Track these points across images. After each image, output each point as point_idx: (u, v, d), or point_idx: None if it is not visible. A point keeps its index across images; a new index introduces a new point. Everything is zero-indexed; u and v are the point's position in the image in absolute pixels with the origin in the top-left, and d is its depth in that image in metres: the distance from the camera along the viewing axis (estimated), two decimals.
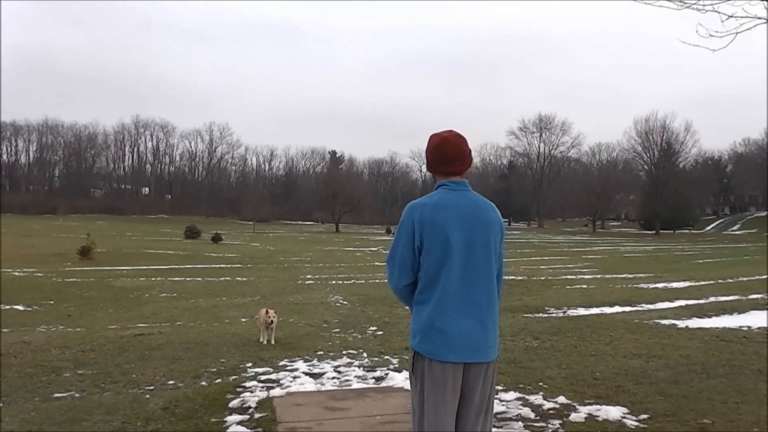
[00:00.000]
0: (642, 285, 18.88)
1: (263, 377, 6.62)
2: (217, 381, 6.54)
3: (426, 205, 2.96)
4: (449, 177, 3.07)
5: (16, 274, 22.48)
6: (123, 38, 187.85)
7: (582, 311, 12.56)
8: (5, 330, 11.13)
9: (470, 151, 3.13)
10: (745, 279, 20.24)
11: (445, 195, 3.00)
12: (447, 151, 3.06)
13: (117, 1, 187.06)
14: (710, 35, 6.04)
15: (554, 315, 12.09)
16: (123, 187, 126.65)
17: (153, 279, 21.86)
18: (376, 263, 30.11)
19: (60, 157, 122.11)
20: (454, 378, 2.87)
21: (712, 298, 14.36)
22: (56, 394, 6.13)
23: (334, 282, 20.84)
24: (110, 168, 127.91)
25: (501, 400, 5.61)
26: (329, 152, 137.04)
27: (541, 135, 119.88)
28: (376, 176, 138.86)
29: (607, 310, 12.74)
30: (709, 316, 11.32)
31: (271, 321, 8.75)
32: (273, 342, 8.71)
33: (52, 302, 15.67)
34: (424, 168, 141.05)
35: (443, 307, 2.88)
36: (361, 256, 38.72)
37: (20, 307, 14.87)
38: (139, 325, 11.46)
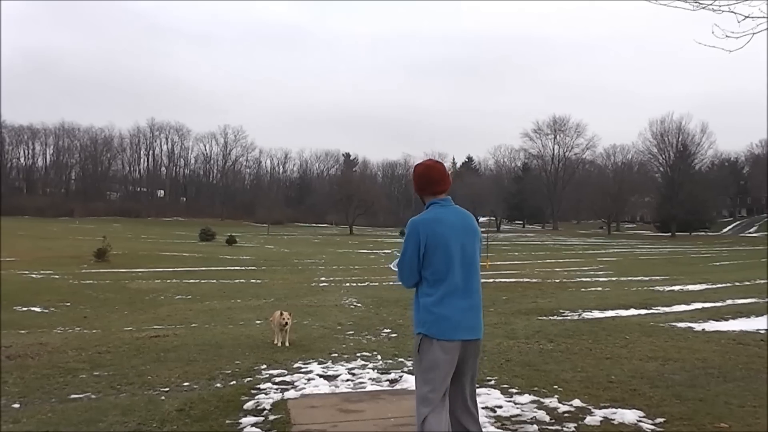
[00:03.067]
0: (658, 288, 18.77)
1: (278, 379, 6.63)
2: (232, 383, 6.56)
3: (426, 220, 3.65)
4: (437, 196, 3.77)
5: (34, 276, 22.69)
6: (138, 43, 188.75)
7: (597, 314, 12.48)
8: (22, 331, 11.24)
9: (449, 173, 3.84)
10: (762, 282, 20.03)
11: (439, 211, 3.70)
12: (432, 175, 3.78)
13: (133, 1, 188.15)
14: (726, 36, 5.99)
15: (569, 317, 12.03)
16: (138, 189, 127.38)
17: (168, 281, 21.99)
18: (390, 265, 30.12)
19: (76, 160, 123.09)
20: (452, 355, 3.58)
21: (729, 301, 14.23)
22: (73, 396, 6.18)
23: (347, 284, 20.87)
24: (126, 171, 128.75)
25: (516, 403, 5.59)
26: (343, 155, 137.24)
27: (555, 137, 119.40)
28: (390, 178, 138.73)
29: (623, 312, 12.65)
30: (726, 319, 11.22)
31: (286, 323, 8.77)
32: (287, 344, 8.73)
33: (68, 304, 15.80)
34: None
35: (449, 298, 3.58)
36: (375, 258, 38.73)
37: (37, 309, 15.02)
38: (155, 327, 11.53)
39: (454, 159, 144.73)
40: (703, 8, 6.07)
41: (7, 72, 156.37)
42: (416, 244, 3.59)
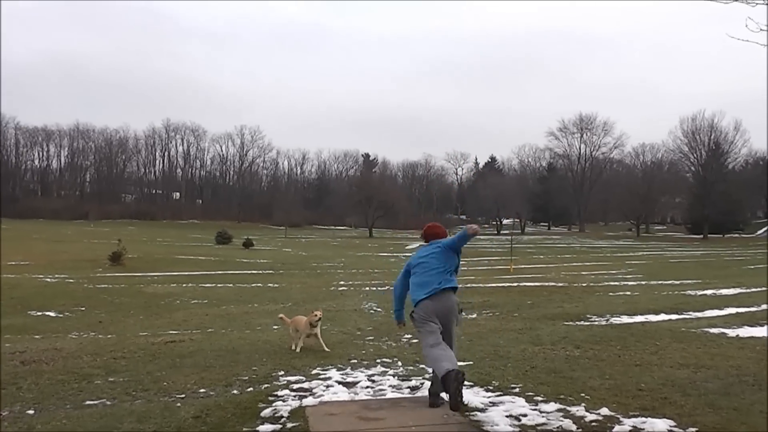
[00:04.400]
0: (689, 292, 18.56)
1: (296, 386, 6.65)
2: (249, 389, 6.59)
3: None
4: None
5: (48, 280, 22.97)
6: (153, 43, 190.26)
7: (626, 319, 12.38)
8: (37, 336, 11.39)
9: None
10: None
11: None
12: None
13: (148, 1, 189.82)
14: (761, 29, 5.92)
15: (596, 323, 11.94)
16: (154, 191, 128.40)
17: (184, 285, 22.15)
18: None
19: (91, 162, 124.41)
20: None
21: (765, 306, 14.04)
22: (87, 402, 6.24)
23: (367, 288, 20.89)
24: (141, 173, 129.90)
25: (541, 412, 5.56)
26: (362, 155, 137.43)
27: (581, 136, 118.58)
28: (411, 179, 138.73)
29: (653, 318, 12.54)
30: (761, 325, 11.06)
31: (319, 319, 8.81)
32: (325, 347, 8.77)
33: (83, 309, 15.98)
34: (460, 171, 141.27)
35: None
36: (396, 261, 38.69)
37: (52, 314, 15.20)
38: (170, 332, 11.62)
39: (476, 159, 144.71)
40: (737, 1, 6.00)
41: (21, 73, 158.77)
42: None
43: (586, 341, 9.29)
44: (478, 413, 5.55)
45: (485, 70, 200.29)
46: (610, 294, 18.50)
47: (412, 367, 7.62)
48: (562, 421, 5.31)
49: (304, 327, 8.83)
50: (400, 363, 7.88)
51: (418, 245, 6.55)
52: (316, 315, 8.78)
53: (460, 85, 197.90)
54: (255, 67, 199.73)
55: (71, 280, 22.96)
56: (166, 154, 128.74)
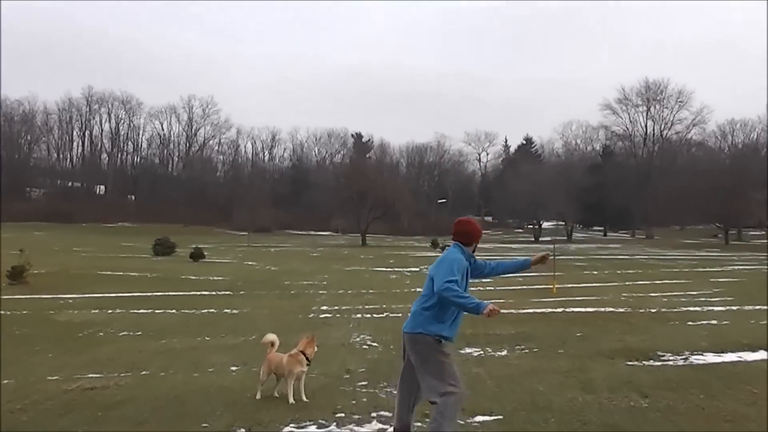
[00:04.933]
0: None
1: None
2: None
3: None
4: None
5: None
6: None
7: (711, 357, 12.38)
8: None
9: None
10: None
11: None
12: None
13: None
14: None
15: (670, 362, 11.95)
16: (70, 184, 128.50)
17: (110, 311, 22.08)
18: (417, 289, 30.07)
19: None
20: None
21: None
22: None
23: (359, 315, 20.86)
24: (53, 159, 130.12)
25: None
26: (353, 135, 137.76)
27: (648, 109, 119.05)
28: (418, 168, 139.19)
29: (748, 356, 12.55)
30: None
31: (315, 349, 8.84)
32: (303, 395, 8.76)
33: None
34: (484, 156, 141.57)
35: None
36: (397, 278, 38.69)
37: None
38: (90, 375, 11.56)
39: (506, 141, 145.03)
40: None
41: None
42: None
43: (657, 387, 9.32)
44: None
45: (518, 24, 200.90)
46: (689, 323, 18.49)
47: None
48: None
49: (290, 365, 8.69)
50: None
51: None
52: (313, 348, 8.78)
53: (484, 44, 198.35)
54: (208, 21, 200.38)
55: None
56: (88, 133, 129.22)
